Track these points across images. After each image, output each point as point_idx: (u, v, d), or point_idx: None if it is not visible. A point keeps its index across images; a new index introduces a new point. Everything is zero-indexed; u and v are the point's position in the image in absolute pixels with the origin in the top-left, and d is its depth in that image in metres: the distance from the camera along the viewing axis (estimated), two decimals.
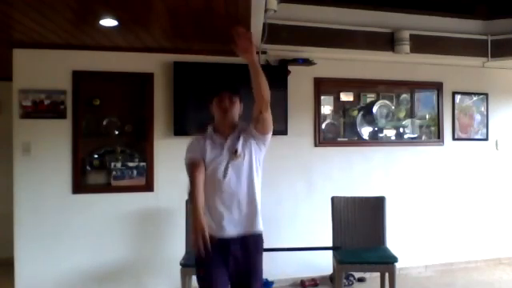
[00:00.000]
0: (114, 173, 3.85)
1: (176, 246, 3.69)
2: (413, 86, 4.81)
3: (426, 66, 4.65)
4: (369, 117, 4.65)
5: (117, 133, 3.96)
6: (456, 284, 4.28)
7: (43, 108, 3.71)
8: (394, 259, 3.41)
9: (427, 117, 4.93)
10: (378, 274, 3.74)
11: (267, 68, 4.10)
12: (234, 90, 2.37)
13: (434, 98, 4.81)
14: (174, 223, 3.81)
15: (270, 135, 2.36)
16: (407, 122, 4.81)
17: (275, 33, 3.84)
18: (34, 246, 3.68)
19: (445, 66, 4.72)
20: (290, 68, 4.14)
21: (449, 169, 4.75)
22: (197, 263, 2.32)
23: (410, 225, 4.55)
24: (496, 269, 4.71)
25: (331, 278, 4.01)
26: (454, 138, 4.79)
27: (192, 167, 2.27)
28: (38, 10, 2.76)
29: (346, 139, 4.60)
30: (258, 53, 4.00)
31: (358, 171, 4.45)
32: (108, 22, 3.08)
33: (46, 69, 3.74)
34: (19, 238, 3.68)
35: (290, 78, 4.14)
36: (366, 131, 4.66)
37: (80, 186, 3.81)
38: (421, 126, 4.87)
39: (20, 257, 3.67)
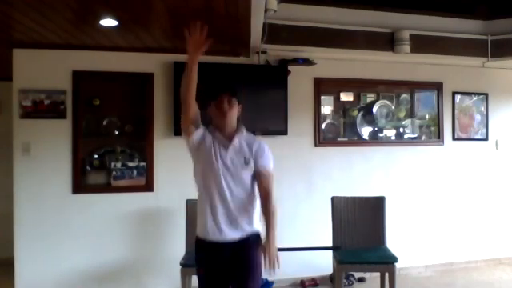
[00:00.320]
0: (113, 173, 3.85)
1: (176, 246, 3.69)
2: (413, 86, 4.81)
3: (426, 65, 4.65)
4: (369, 117, 4.65)
5: (117, 133, 3.96)
6: (456, 284, 4.28)
7: (43, 108, 3.70)
8: (394, 259, 3.41)
9: (427, 117, 4.93)
10: (378, 274, 3.74)
11: (267, 68, 4.12)
12: (233, 92, 2.32)
13: (434, 98, 4.81)
14: (174, 223, 3.81)
15: None
16: (407, 122, 4.81)
17: (275, 33, 3.85)
18: (34, 246, 3.68)
19: (445, 66, 4.72)
20: (290, 68, 4.14)
21: (449, 169, 4.75)
22: (197, 263, 2.33)
23: (410, 225, 4.55)
24: (496, 269, 4.71)
25: (331, 278, 4.01)
26: (453, 138, 4.79)
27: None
28: (38, 10, 2.76)
29: (346, 139, 4.60)
30: (257, 53, 4.04)
31: (358, 171, 4.45)
32: (108, 22, 3.08)
33: (45, 69, 3.74)
34: (19, 238, 3.68)
35: (290, 77, 4.14)
36: (365, 131, 4.66)
37: (80, 186, 3.81)
38: (421, 126, 4.87)
39: (20, 257, 3.67)
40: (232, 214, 2.24)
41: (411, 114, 4.88)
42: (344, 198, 3.81)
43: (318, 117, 4.37)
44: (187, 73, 2.11)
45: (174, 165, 3.79)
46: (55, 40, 3.54)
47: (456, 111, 4.81)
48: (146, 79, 3.91)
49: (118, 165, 3.88)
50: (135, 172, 3.90)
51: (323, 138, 4.42)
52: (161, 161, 3.91)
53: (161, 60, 3.92)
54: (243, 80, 3.97)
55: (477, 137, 4.90)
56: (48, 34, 3.35)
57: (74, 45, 3.68)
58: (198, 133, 2.25)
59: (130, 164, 3.90)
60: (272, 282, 4.06)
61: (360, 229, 3.74)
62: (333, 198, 3.80)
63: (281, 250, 3.27)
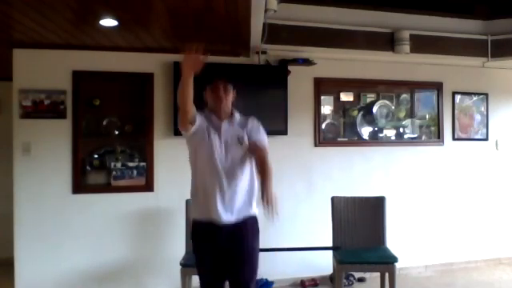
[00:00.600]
0: (114, 173, 3.85)
1: (176, 246, 3.69)
2: (413, 86, 4.81)
3: (426, 65, 4.65)
4: (369, 117, 4.65)
5: (117, 133, 3.96)
6: (456, 284, 4.28)
7: (43, 108, 3.70)
8: (394, 259, 3.41)
9: (427, 117, 4.93)
10: (378, 274, 3.74)
11: (267, 68, 4.12)
12: (228, 79, 2.40)
13: (434, 98, 4.81)
14: (174, 223, 3.81)
15: None
16: (407, 122, 4.81)
17: (275, 33, 3.85)
18: (34, 246, 3.68)
19: (445, 66, 4.71)
20: (290, 68, 4.14)
21: (449, 169, 4.75)
22: (194, 251, 2.37)
23: (410, 225, 4.55)
24: (496, 269, 4.71)
25: (331, 278, 4.01)
26: (453, 138, 4.79)
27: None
28: (38, 10, 2.76)
29: (346, 139, 4.60)
30: (257, 53, 4.04)
31: (358, 171, 4.45)
32: (108, 22, 3.08)
33: (45, 69, 3.74)
34: (19, 238, 3.68)
35: (290, 77, 4.14)
36: (366, 131, 4.66)
37: (80, 186, 3.81)
38: (421, 126, 4.87)
39: (20, 257, 3.67)
40: (227, 196, 2.27)
41: (411, 114, 4.87)
42: (344, 197, 3.81)
43: (318, 117, 4.36)
44: (182, 85, 2.16)
45: (174, 165, 3.78)
46: (55, 40, 3.54)
47: (456, 111, 4.80)
48: (145, 79, 3.91)
49: (118, 165, 3.88)
50: (135, 172, 3.90)
51: (323, 138, 4.42)
52: (161, 161, 3.91)
53: (161, 60, 3.92)
54: (243, 80, 3.95)
55: (477, 137, 4.90)
56: (48, 34, 3.35)
57: (74, 45, 3.68)
58: (195, 125, 2.29)
59: (130, 164, 3.90)
60: (272, 282, 4.06)
61: (360, 229, 3.73)
62: (333, 198, 3.80)
63: (281, 249, 3.27)
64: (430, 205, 4.66)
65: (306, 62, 4.16)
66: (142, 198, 3.91)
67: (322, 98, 4.43)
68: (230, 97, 2.39)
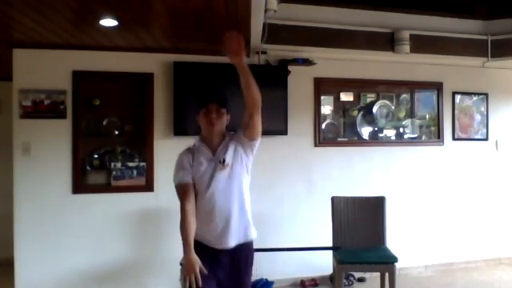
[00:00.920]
0: (114, 173, 3.85)
1: (176, 246, 3.62)
2: (413, 86, 4.81)
3: (425, 65, 4.65)
4: (369, 117, 4.65)
5: (117, 133, 3.96)
6: (456, 284, 4.28)
7: (43, 108, 3.70)
8: (394, 259, 3.41)
9: (427, 117, 4.93)
10: (378, 274, 3.75)
11: (267, 68, 4.12)
12: (222, 102, 2.30)
13: (434, 98, 4.81)
14: (174, 223, 3.74)
15: (258, 141, 2.32)
16: (407, 122, 4.81)
17: (275, 33, 3.85)
18: (34, 246, 3.68)
19: (445, 66, 4.72)
20: (290, 68, 4.14)
21: (449, 169, 4.75)
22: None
23: (410, 225, 4.55)
24: (496, 269, 4.71)
25: (331, 278, 4.01)
26: (454, 138, 4.79)
27: (181, 194, 2.22)
28: (37, 10, 2.76)
29: (346, 139, 4.60)
30: (257, 53, 4.04)
31: (358, 171, 4.45)
32: (108, 22, 3.08)
33: (45, 69, 3.74)
34: (19, 238, 3.68)
35: (290, 77, 4.14)
36: (366, 131, 4.66)
37: (80, 186, 3.81)
38: (421, 126, 4.87)
39: (20, 257, 3.67)
40: (222, 224, 2.24)
41: (411, 114, 4.88)
42: (344, 197, 3.81)
43: (318, 117, 4.36)
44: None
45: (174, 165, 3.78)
46: (55, 40, 3.54)
47: (456, 111, 4.81)
48: (145, 79, 3.91)
49: (118, 165, 3.88)
50: (135, 172, 3.90)
51: (323, 138, 4.42)
52: (161, 161, 3.91)
53: (161, 60, 3.92)
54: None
55: (477, 137, 4.90)
56: (48, 34, 3.35)
57: (74, 45, 3.68)
58: (190, 181, 2.25)
59: (130, 164, 3.90)
60: (272, 282, 4.06)
61: (360, 229, 3.73)
62: (333, 198, 3.80)
63: (281, 249, 3.27)
64: (429, 205, 4.66)
65: (306, 61, 4.16)
66: (142, 198, 3.91)
67: (322, 98, 4.43)
68: (223, 120, 2.30)
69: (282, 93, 4.09)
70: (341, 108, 4.65)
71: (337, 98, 4.60)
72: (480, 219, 4.82)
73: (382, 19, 4.31)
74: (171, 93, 3.88)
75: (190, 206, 2.20)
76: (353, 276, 4.21)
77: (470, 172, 4.83)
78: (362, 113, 4.65)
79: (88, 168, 3.89)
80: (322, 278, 4.20)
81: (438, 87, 4.76)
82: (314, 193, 4.29)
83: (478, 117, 4.91)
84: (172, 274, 3.56)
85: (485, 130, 4.92)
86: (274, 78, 4.13)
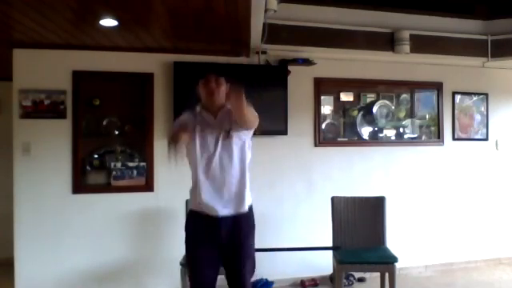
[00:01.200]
0: (114, 173, 3.85)
1: (176, 246, 3.66)
2: (413, 86, 4.81)
3: (425, 66, 4.65)
4: (369, 117, 4.65)
5: (117, 133, 3.96)
6: (456, 284, 4.28)
7: (43, 108, 3.71)
8: (394, 259, 3.41)
9: (427, 117, 4.93)
10: (378, 274, 3.74)
11: (267, 68, 4.12)
12: (220, 74, 2.40)
13: (434, 98, 4.80)
14: (174, 223, 3.80)
15: (252, 129, 2.37)
16: (407, 122, 4.81)
17: (275, 33, 3.85)
18: (34, 246, 3.69)
19: (445, 66, 4.71)
20: (290, 68, 4.14)
21: (449, 169, 4.75)
22: (186, 243, 2.36)
23: (410, 225, 4.55)
24: (496, 269, 4.71)
25: (331, 278, 4.01)
26: (454, 138, 4.79)
27: (175, 132, 2.30)
28: (37, 9, 2.76)
29: (346, 139, 4.60)
30: (257, 53, 4.04)
31: (358, 171, 4.45)
32: (108, 22, 3.08)
33: (45, 69, 3.74)
34: (19, 238, 3.68)
35: (290, 77, 4.14)
36: (366, 131, 4.66)
37: (80, 186, 3.81)
38: (421, 126, 4.87)
39: (20, 257, 3.67)
40: (220, 191, 2.30)
41: (411, 114, 4.88)
42: (344, 198, 3.81)
43: (318, 117, 4.36)
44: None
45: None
46: (55, 40, 3.54)
47: (456, 111, 4.80)
48: (145, 79, 3.91)
49: (118, 165, 3.88)
50: (135, 172, 3.90)
51: (323, 138, 4.42)
52: (161, 161, 3.91)
53: (161, 60, 3.92)
54: (243, 80, 3.94)
55: (477, 137, 4.89)
56: (48, 34, 3.35)
57: (74, 45, 3.68)
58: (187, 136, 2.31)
59: (130, 164, 3.90)
60: (272, 282, 4.06)
61: (360, 229, 3.73)
62: (333, 198, 3.80)
63: (281, 249, 3.28)
64: (429, 205, 4.66)
65: (306, 61, 4.16)
66: (142, 198, 3.91)
67: (322, 98, 4.43)
68: (222, 90, 2.37)
69: (282, 93, 4.09)
70: (341, 108, 4.65)
71: (337, 98, 4.60)
72: (480, 219, 4.82)
73: (381, 19, 4.31)
74: (171, 93, 3.88)
75: (185, 135, 2.27)
76: (353, 276, 4.21)
77: (470, 172, 4.83)
78: (361, 113, 4.65)
79: (88, 168, 3.89)
80: (322, 278, 4.20)
81: (437, 87, 4.76)
82: (314, 193, 4.29)
83: (477, 117, 4.91)
84: (172, 274, 3.57)
85: (485, 130, 4.92)
86: (273, 78, 4.14)
